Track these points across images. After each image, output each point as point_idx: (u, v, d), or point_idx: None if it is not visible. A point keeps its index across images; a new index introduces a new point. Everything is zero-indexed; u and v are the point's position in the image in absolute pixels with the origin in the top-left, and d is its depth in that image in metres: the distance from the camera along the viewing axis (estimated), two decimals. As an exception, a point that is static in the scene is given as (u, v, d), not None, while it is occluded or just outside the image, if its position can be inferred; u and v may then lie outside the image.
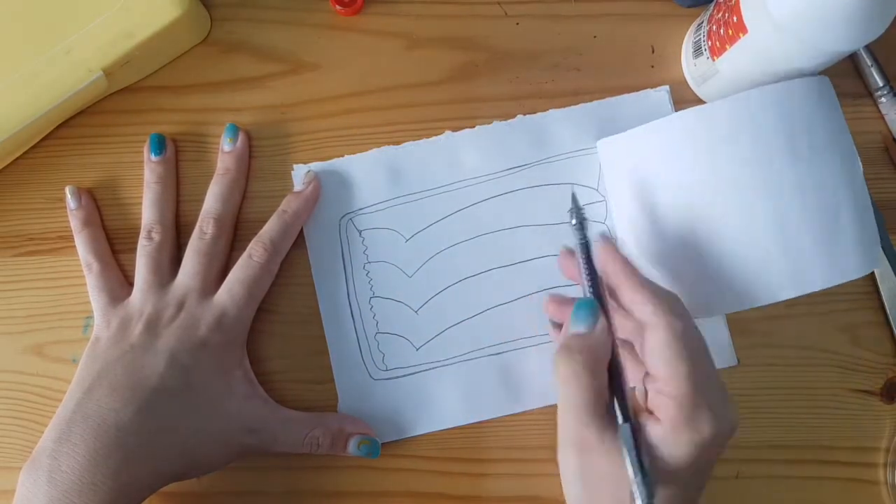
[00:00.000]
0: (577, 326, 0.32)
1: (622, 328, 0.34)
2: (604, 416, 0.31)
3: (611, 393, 0.32)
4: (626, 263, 0.34)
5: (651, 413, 0.31)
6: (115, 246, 0.42)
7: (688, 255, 0.36)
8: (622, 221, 0.41)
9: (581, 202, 0.35)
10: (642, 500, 0.29)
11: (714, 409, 0.30)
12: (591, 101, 0.43)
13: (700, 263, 0.36)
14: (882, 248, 0.41)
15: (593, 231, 0.35)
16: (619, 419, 0.31)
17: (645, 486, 0.29)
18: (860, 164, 0.36)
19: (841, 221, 0.35)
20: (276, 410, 0.39)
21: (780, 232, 0.34)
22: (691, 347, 0.31)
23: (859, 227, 0.35)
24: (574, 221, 0.35)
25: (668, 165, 0.37)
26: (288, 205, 0.40)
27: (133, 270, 0.40)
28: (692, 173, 0.36)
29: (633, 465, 0.30)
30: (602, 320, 0.32)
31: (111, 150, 0.42)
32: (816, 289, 0.34)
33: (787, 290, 0.35)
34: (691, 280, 0.37)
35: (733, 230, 0.35)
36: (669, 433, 0.30)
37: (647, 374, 0.32)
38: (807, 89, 0.35)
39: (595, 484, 0.31)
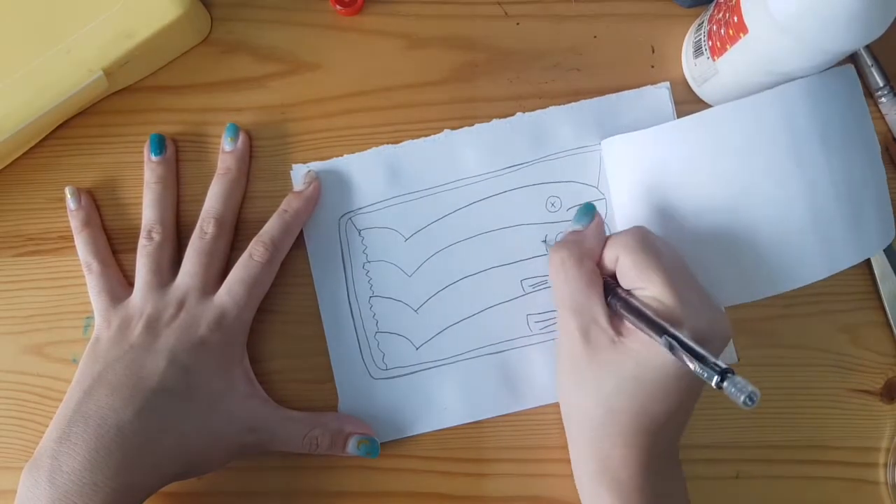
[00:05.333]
0: (574, 226, 0.38)
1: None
2: (598, 303, 0.35)
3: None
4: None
5: None
6: (115, 246, 0.42)
7: (710, 247, 0.37)
8: (627, 219, 0.41)
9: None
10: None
11: (698, 308, 0.33)
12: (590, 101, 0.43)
13: (726, 254, 0.37)
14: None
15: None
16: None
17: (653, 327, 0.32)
18: (878, 145, 0.39)
19: (865, 201, 0.37)
20: (275, 410, 0.39)
21: (815, 218, 0.36)
22: (657, 257, 0.34)
23: (881, 205, 0.38)
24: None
25: (697, 161, 0.37)
26: (289, 204, 0.40)
27: (133, 270, 0.40)
28: (724, 167, 0.37)
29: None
30: (596, 219, 0.37)
31: (111, 150, 0.42)
32: (847, 266, 0.36)
33: (819, 272, 0.36)
34: (714, 271, 0.37)
35: (769, 219, 0.36)
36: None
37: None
38: (838, 80, 0.37)
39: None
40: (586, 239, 0.36)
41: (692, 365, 0.30)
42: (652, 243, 0.35)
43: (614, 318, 0.35)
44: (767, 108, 0.36)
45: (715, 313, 0.34)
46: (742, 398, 0.28)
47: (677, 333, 0.31)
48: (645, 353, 0.33)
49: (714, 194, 0.37)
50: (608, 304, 0.35)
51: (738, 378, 0.28)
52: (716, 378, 0.29)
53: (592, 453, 0.35)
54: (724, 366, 0.29)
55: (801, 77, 0.37)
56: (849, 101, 0.37)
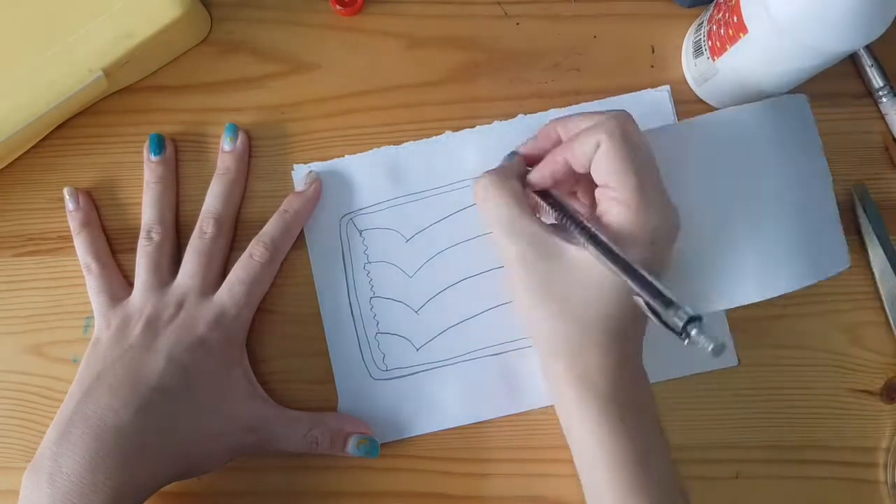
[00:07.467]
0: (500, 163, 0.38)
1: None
2: (532, 217, 0.34)
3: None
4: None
5: (599, 219, 0.34)
6: (114, 246, 0.42)
7: (705, 248, 0.37)
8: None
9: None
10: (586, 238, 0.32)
11: (657, 210, 0.33)
12: (591, 101, 0.43)
13: (711, 258, 0.37)
14: (882, 247, 0.41)
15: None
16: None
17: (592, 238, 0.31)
18: (830, 174, 0.38)
19: (824, 223, 0.37)
20: (275, 410, 0.39)
21: (774, 233, 0.36)
22: (636, 156, 0.32)
23: (835, 233, 0.37)
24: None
25: (689, 164, 0.37)
26: (289, 204, 0.40)
27: (133, 270, 0.40)
28: (711, 172, 0.36)
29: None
30: (518, 157, 0.37)
31: (111, 150, 0.42)
32: (811, 283, 0.36)
33: (795, 282, 0.36)
34: (699, 274, 0.37)
35: (748, 227, 0.36)
36: (617, 236, 0.32)
37: (598, 187, 0.34)
38: (796, 105, 0.37)
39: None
40: (508, 166, 0.37)
41: (653, 316, 0.29)
42: (637, 135, 0.33)
43: (554, 228, 0.34)
44: (736, 124, 0.36)
45: (669, 214, 0.34)
46: (710, 347, 0.27)
47: (646, 275, 0.30)
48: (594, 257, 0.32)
49: (703, 199, 0.36)
50: (557, 216, 0.34)
51: (705, 326, 0.27)
52: (681, 325, 0.28)
53: (571, 368, 0.34)
54: (690, 312, 0.27)
55: (801, 77, 0.37)
56: (804, 128, 0.37)
